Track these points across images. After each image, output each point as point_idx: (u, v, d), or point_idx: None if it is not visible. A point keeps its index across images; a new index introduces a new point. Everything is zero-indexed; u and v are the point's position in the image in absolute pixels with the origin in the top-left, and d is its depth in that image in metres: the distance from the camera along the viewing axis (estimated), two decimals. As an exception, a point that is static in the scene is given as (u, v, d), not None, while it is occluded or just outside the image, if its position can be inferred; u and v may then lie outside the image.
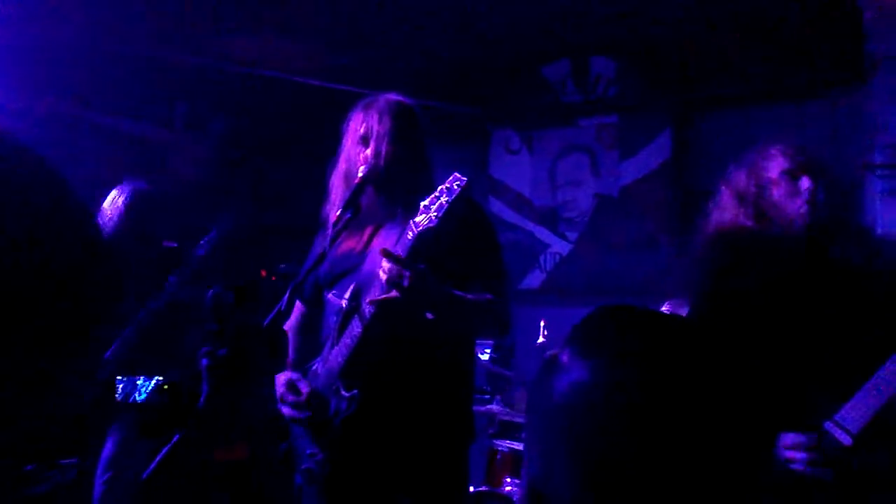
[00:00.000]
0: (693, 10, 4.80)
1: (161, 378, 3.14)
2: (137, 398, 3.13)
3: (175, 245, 3.44)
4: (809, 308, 1.93)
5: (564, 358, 0.77)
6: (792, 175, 2.00)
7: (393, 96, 2.35)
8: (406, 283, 1.95)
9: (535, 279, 6.02)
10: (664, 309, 4.30)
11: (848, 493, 1.86)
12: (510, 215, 6.12)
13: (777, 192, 1.99)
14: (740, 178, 2.07)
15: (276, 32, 5.11)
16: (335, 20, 4.98)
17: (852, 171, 4.45)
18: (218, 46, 5.23)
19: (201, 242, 3.41)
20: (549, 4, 4.83)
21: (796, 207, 1.95)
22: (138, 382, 3.12)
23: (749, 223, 2.02)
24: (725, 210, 2.08)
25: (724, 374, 0.76)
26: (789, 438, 1.91)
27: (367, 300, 2.05)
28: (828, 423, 1.89)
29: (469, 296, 2.12)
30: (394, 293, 1.98)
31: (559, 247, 5.96)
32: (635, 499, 0.70)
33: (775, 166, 2.02)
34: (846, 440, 1.86)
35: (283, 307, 1.94)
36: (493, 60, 5.70)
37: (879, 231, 4.12)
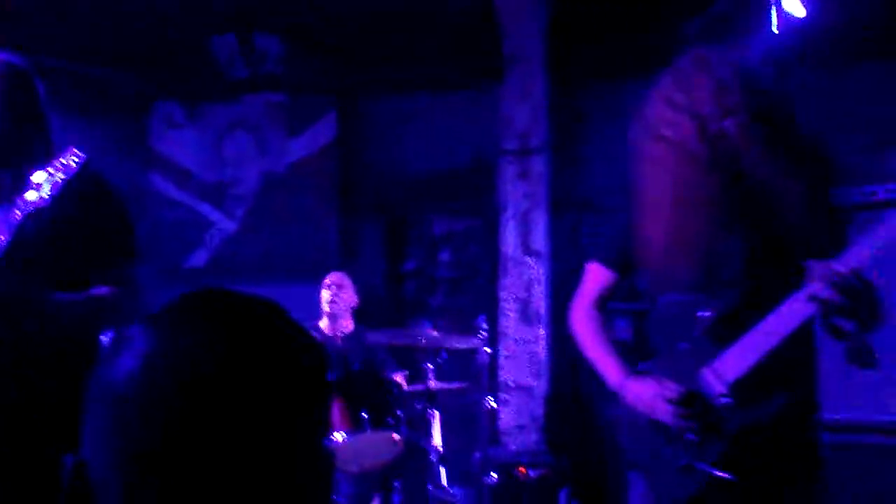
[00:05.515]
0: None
1: None
2: None
3: None
4: None
5: (127, 336, 0.76)
6: None
7: None
8: None
9: (199, 258, 5.89)
10: (326, 281, 4.46)
11: (727, 453, 1.72)
12: (173, 191, 5.90)
13: None
14: None
15: None
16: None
17: (491, 156, 5.03)
18: None
19: None
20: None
21: None
22: None
23: None
24: None
25: (287, 362, 0.75)
26: (667, 388, 1.78)
27: None
28: (705, 369, 1.77)
29: (84, 294, 1.99)
30: None
31: (225, 224, 5.90)
32: (182, 480, 0.70)
33: None
34: (720, 389, 1.73)
35: None
36: (156, 29, 5.42)
37: (511, 212, 4.72)
